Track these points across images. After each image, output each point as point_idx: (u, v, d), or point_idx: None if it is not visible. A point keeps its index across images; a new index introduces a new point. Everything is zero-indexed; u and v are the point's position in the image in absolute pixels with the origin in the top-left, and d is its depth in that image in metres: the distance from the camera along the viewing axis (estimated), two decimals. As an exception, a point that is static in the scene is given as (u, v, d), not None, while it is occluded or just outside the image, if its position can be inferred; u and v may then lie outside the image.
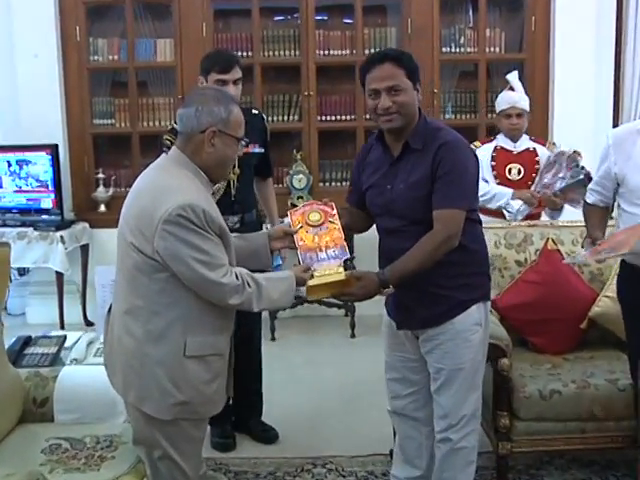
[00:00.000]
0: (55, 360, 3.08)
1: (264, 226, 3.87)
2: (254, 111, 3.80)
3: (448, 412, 2.65)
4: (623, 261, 2.90)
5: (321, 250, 2.54)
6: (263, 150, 3.72)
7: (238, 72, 3.49)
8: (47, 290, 5.55)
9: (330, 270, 2.49)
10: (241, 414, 3.83)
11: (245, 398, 3.81)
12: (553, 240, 3.59)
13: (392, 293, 2.55)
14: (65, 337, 3.24)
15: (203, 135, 2.29)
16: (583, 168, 4.13)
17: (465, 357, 2.61)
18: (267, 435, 3.77)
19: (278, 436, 3.76)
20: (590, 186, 3.08)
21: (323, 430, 3.88)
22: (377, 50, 2.53)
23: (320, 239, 2.56)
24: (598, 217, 3.00)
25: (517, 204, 4.19)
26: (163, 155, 2.39)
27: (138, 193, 2.30)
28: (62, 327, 5.32)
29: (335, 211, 2.61)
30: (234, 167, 3.50)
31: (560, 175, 4.15)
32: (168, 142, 3.32)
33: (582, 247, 3.05)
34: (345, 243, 2.56)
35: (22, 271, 5.89)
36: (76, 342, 3.17)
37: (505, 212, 4.25)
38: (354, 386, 4.39)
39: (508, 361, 3.08)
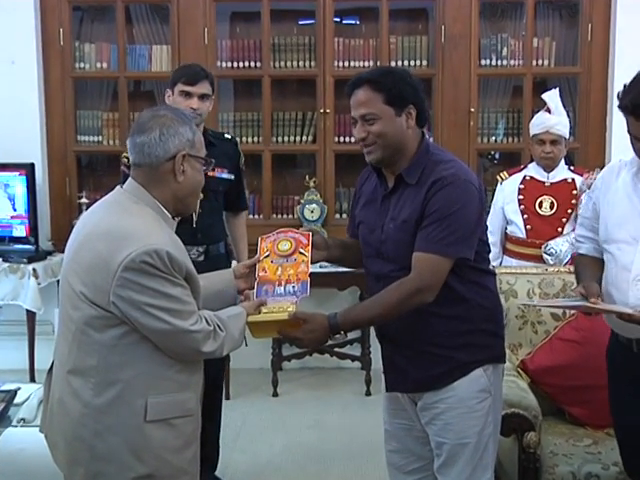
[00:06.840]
0: (1, 419, 3.03)
1: (233, 262, 3.89)
2: (227, 135, 3.98)
3: (454, 497, 2.55)
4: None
5: (280, 284, 2.54)
6: (233, 177, 3.79)
7: (206, 87, 3.60)
8: (18, 331, 5.50)
9: (280, 308, 2.47)
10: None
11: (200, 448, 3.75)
12: (596, 290, 3.47)
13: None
14: (16, 392, 3.19)
15: (172, 162, 2.25)
16: None
17: (470, 430, 2.51)
18: None
19: None
20: (578, 233, 2.90)
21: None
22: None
23: (283, 271, 2.56)
24: (592, 269, 2.76)
25: (560, 244, 4.09)
26: (117, 189, 2.35)
27: (90, 235, 2.24)
28: (32, 374, 5.28)
29: (309, 242, 2.59)
30: None
31: None
32: (126, 160, 3.39)
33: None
34: (309, 279, 2.52)
35: (-9, 308, 5.89)
36: (27, 399, 3.12)
37: (546, 256, 4.14)
38: (363, 455, 4.29)
39: (536, 436, 2.98)
